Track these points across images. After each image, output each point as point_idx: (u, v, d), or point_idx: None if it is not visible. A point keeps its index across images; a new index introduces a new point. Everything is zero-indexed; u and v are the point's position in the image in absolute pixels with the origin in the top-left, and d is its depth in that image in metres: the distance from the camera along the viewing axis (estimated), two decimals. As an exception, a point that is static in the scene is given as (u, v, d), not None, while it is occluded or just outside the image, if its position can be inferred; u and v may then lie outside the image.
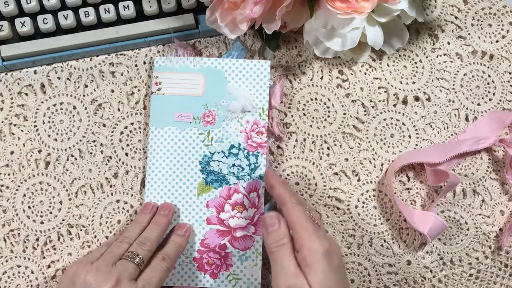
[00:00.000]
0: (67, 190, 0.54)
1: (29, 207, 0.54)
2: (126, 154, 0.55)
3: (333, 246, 0.43)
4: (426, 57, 0.58)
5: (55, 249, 0.53)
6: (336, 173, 0.55)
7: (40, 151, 0.55)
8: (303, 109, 0.56)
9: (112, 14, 0.54)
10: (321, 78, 0.57)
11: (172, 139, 0.53)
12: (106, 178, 0.55)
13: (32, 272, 0.53)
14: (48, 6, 0.54)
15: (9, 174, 0.54)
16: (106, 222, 0.54)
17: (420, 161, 0.54)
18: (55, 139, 0.55)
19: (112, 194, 0.54)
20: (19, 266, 0.53)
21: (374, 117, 0.56)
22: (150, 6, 0.54)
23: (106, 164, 0.55)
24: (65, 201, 0.54)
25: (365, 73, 0.57)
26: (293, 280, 0.41)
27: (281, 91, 0.55)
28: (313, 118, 0.56)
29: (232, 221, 0.52)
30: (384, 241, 0.55)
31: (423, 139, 0.56)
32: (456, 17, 0.59)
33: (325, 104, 0.56)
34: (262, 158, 0.52)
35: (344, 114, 0.56)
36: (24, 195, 0.54)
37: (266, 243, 0.45)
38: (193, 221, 0.52)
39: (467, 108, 0.57)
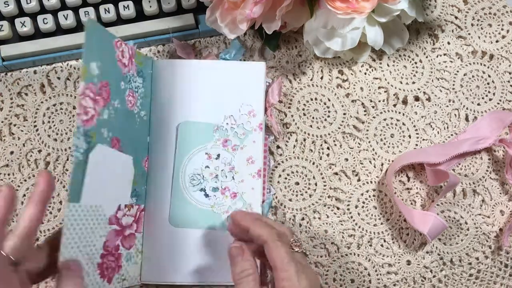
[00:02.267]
0: (67, 190, 0.54)
1: (29, 207, 0.54)
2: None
3: (312, 282, 0.42)
4: (426, 57, 0.58)
5: (55, 249, 0.53)
6: (336, 173, 0.55)
7: (40, 151, 0.55)
8: (303, 109, 0.56)
9: (112, 14, 0.54)
10: (321, 78, 0.57)
11: None
12: (106, 178, 0.55)
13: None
14: (48, 6, 0.54)
15: (9, 174, 0.54)
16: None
17: (420, 161, 0.54)
18: (55, 139, 0.55)
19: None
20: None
21: (374, 117, 0.56)
22: (150, 6, 0.54)
23: (106, 164, 0.55)
24: (65, 201, 0.54)
25: (365, 73, 0.57)
26: None
27: (279, 89, 0.55)
28: (313, 118, 0.56)
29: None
30: (384, 241, 0.55)
31: (423, 139, 0.56)
32: (456, 17, 0.59)
33: (325, 104, 0.56)
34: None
35: (344, 114, 0.56)
36: (24, 195, 0.54)
37: (232, 272, 0.44)
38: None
39: (467, 108, 0.57)
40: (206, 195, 0.52)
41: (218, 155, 0.52)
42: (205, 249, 0.51)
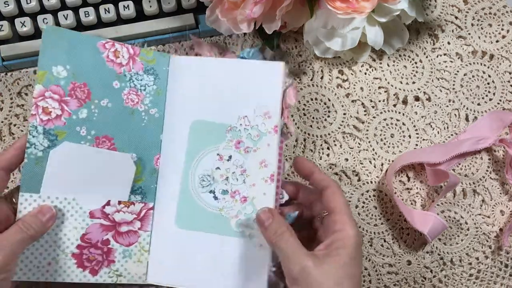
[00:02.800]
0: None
1: (29, 207, 0.54)
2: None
3: (359, 232, 0.44)
4: (426, 57, 0.58)
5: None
6: (336, 173, 0.55)
7: (40, 151, 0.55)
8: (303, 109, 0.56)
9: (112, 14, 0.54)
10: (321, 78, 0.57)
11: None
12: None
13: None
14: (48, 6, 0.54)
15: (9, 174, 0.54)
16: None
17: (420, 161, 0.54)
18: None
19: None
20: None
21: (374, 117, 0.56)
22: (150, 6, 0.54)
23: (106, 164, 0.55)
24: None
25: (365, 73, 0.57)
26: (307, 262, 0.41)
27: (296, 91, 0.53)
28: (313, 118, 0.56)
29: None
30: (384, 241, 0.55)
31: (423, 139, 0.56)
32: (456, 17, 0.59)
33: (325, 104, 0.56)
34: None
35: (344, 114, 0.56)
36: (24, 195, 0.54)
37: (266, 237, 0.45)
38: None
39: (467, 108, 0.57)
40: (215, 198, 0.50)
41: (230, 157, 0.50)
42: (212, 253, 0.49)
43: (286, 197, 0.52)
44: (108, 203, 0.49)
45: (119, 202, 0.50)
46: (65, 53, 0.48)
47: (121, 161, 0.50)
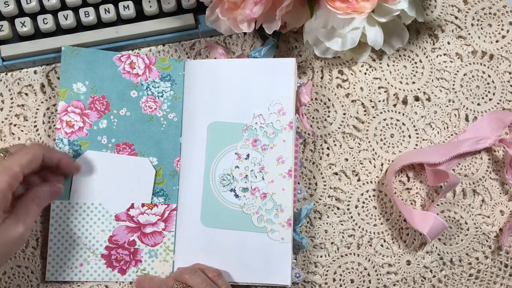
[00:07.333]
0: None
1: (29, 207, 0.54)
2: (126, 154, 0.55)
3: None
4: (426, 57, 0.58)
5: (55, 249, 0.54)
6: (336, 173, 0.56)
7: (40, 151, 0.55)
8: (303, 109, 0.56)
9: (112, 14, 0.54)
10: (321, 78, 0.57)
11: None
12: (106, 178, 0.55)
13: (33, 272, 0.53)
14: (48, 6, 0.54)
15: (9, 174, 0.54)
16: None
17: (420, 161, 0.54)
18: (55, 139, 0.55)
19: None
20: (18, 266, 0.53)
21: (374, 117, 0.56)
22: (150, 6, 0.54)
23: (106, 164, 0.55)
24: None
25: (365, 73, 0.57)
26: None
27: (310, 89, 0.54)
28: (313, 118, 0.56)
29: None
30: (384, 241, 0.55)
31: (423, 139, 0.56)
32: (456, 17, 0.59)
33: (325, 104, 0.57)
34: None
35: (344, 114, 0.56)
36: (24, 195, 0.54)
37: None
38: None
39: (467, 108, 0.57)
40: (236, 196, 0.52)
41: (248, 155, 0.52)
42: (236, 249, 0.51)
43: (304, 192, 0.53)
44: (132, 206, 0.52)
45: (143, 205, 0.52)
46: (83, 70, 0.53)
47: (141, 165, 0.53)
